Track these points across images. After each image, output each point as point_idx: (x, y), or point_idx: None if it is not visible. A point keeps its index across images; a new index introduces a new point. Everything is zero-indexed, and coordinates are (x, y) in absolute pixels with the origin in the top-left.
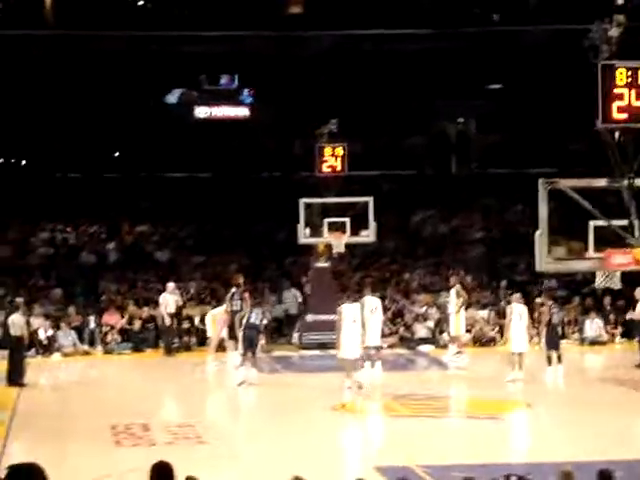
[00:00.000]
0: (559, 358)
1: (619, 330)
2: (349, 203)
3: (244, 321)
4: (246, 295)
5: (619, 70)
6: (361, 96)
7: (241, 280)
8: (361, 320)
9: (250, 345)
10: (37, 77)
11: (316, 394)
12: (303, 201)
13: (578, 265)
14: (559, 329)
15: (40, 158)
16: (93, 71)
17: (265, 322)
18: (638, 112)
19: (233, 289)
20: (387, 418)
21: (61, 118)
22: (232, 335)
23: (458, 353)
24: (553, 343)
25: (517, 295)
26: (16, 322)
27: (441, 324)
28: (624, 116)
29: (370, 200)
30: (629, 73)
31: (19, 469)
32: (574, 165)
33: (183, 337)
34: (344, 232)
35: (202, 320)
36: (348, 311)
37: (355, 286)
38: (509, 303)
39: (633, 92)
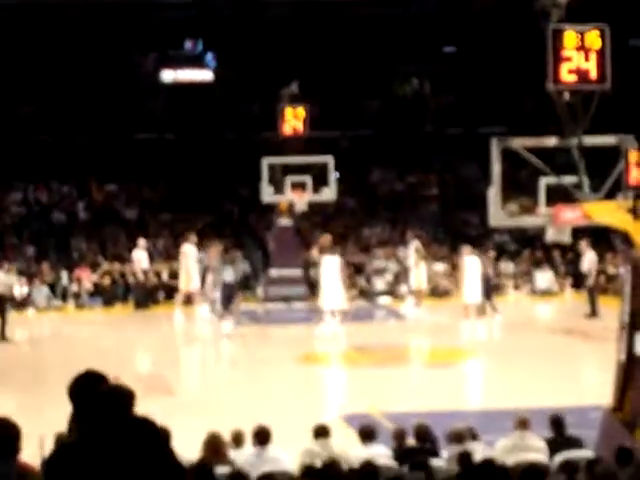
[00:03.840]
0: (483, 310)
1: (569, 281)
2: (310, 162)
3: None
4: (211, 250)
5: (568, 33)
6: (320, 59)
7: (215, 241)
8: (339, 274)
9: (228, 302)
10: (7, 42)
11: (280, 346)
12: (266, 160)
13: (529, 220)
14: (492, 281)
15: (12, 121)
16: (63, 36)
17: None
18: (586, 74)
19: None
20: (349, 368)
21: (32, 82)
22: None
23: (416, 305)
24: (487, 294)
25: (468, 248)
26: (1, 280)
27: (400, 277)
28: (573, 78)
29: (330, 159)
30: (577, 36)
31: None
32: (524, 124)
33: (152, 292)
34: (305, 190)
35: (170, 276)
36: (326, 262)
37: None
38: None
39: (581, 54)
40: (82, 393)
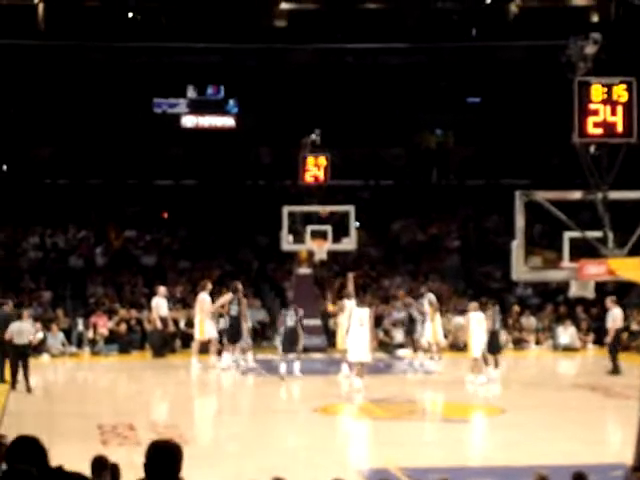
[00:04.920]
0: (496, 363)
1: (591, 337)
2: (331, 211)
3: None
4: (244, 300)
5: (595, 87)
6: (342, 107)
7: (239, 286)
8: (369, 326)
9: (290, 345)
10: (28, 86)
11: (298, 397)
12: (286, 209)
13: (553, 274)
14: (501, 334)
15: (30, 165)
16: (83, 80)
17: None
18: (613, 127)
19: (230, 295)
20: (367, 421)
21: (50, 126)
22: (232, 339)
23: (431, 358)
24: (493, 347)
25: (474, 304)
26: (24, 330)
27: (415, 330)
28: (599, 131)
29: (351, 209)
30: (604, 90)
31: (22, 440)
32: (548, 177)
33: (170, 340)
34: (326, 239)
35: (187, 324)
36: (356, 313)
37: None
38: (467, 312)
39: (608, 108)
40: (16, 457)
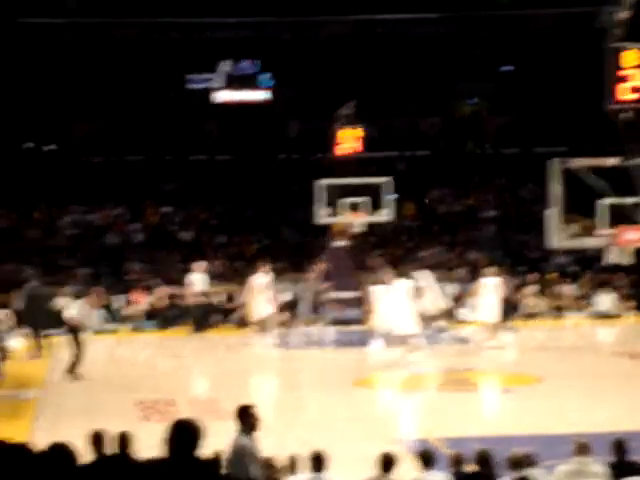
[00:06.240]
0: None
1: (631, 304)
2: (367, 183)
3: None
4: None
5: (628, 52)
6: (377, 79)
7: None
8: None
9: None
10: (63, 64)
11: (336, 369)
12: (322, 182)
13: (590, 241)
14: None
15: (65, 143)
16: (116, 57)
17: None
18: None
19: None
20: (405, 392)
21: (86, 105)
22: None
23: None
24: (505, 314)
25: (491, 269)
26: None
27: (459, 300)
28: (634, 96)
29: (388, 180)
30: (638, 55)
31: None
32: (583, 145)
33: (209, 315)
34: (362, 212)
35: (228, 299)
36: (398, 287)
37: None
38: (480, 277)
39: None
40: None
